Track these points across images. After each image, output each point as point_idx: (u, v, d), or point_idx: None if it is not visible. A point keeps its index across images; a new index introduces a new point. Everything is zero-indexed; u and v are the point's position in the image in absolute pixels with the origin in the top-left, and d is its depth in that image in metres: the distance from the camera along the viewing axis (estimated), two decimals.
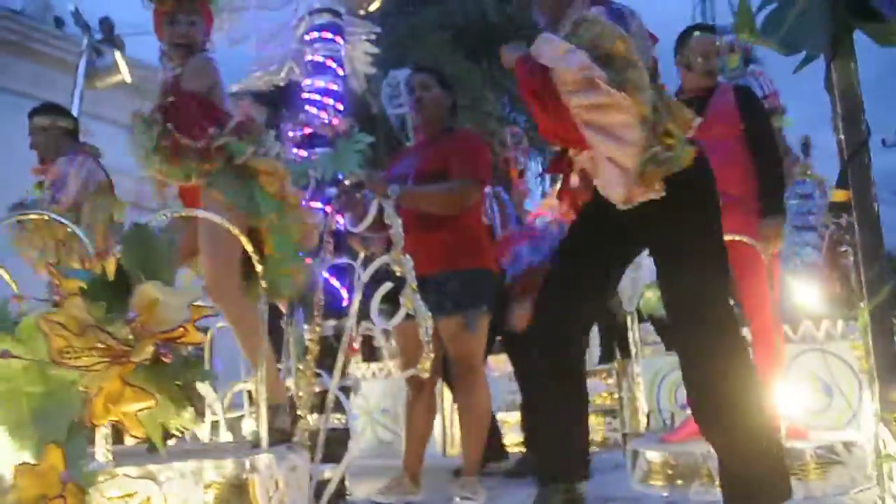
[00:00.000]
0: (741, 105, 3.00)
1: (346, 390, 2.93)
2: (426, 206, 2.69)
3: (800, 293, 3.94)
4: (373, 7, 3.58)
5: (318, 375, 2.31)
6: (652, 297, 3.67)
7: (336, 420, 2.69)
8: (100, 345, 0.89)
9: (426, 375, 2.36)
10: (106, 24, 6.81)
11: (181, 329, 0.89)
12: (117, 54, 6.13)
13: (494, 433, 3.49)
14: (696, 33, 3.15)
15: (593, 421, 4.06)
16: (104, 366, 0.88)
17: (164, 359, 0.90)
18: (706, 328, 1.82)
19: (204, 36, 2.62)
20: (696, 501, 2.35)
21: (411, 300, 1.98)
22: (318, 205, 2.98)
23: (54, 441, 1.03)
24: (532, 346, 2.02)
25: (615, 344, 4.45)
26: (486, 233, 3.06)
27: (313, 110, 3.30)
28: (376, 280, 2.13)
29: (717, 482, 1.95)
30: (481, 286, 2.68)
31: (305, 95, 3.40)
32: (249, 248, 1.79)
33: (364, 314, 2.12)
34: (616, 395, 4.16)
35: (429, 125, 2.86)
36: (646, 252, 2.16)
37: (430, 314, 2.05)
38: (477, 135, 3.24)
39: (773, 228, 2.86)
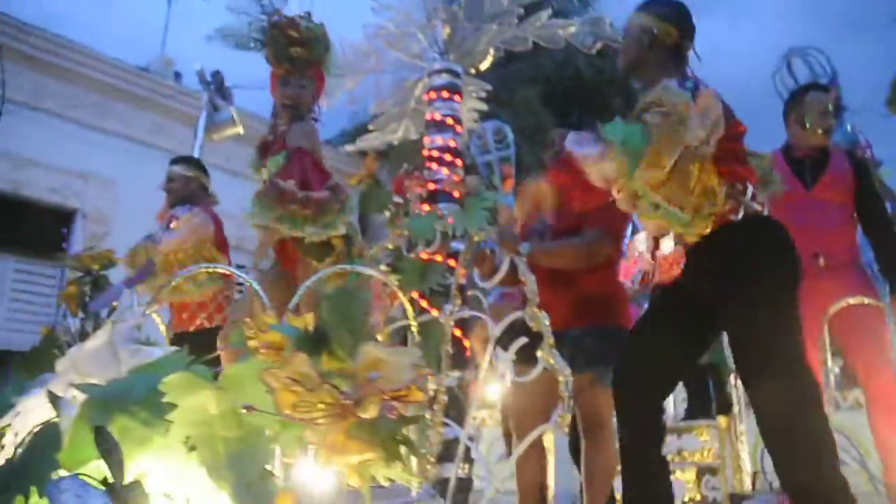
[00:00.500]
0: (858, 174, 3.07)
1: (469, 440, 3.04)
2: (558, 263, 2.84)
3: None
4: (483, 66, 3.81)
5: (446, 425, 2.46)
6: None
7: (461, 469, 2.82)
8: (329, 400, 1.08)
9: (566, 429, 2.47)
10: (217, 77, 7.44)
11: (407, 388, 1.06)
12: (233, 110, 6.67)
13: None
14: (812, 92, 3.24)
15: (689, 477, 4.06)
16: (331, 420, 1.07)
17: (389, 415, 1.08)
18: (775, 384, 1.93)
19: (312, 99, 2.89)
20: None
21: (549, 355, 2.12)
22: (441, 258, 3.19)
23: (248, 483, 1.23)
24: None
25: (706, 398, 4.45)
26: (621, 288, 3.04)
27: (434, 166, 3.53)
28: (509, 335, 2.29)
29: None
30: (615, 343, 2.63)
31: (426, 152, 3.63)
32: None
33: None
34: (713, 453, 4.15)
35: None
36: None
37: (569, 369, 2.18)
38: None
39: None
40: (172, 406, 1.26)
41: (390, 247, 2.92)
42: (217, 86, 7.36)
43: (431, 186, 3.53)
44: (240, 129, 6.82)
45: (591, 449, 2.88)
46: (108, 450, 1.13)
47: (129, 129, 8.46)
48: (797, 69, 3.59)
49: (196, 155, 6.48)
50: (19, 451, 1.29)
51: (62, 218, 8.04)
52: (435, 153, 3.59)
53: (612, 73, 10.40)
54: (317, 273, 1.90)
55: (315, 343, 1.21)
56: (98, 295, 1.84)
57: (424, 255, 2.90)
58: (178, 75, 9.43)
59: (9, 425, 1.45)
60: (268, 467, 1.29)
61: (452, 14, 3.64)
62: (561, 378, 2.06)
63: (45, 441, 1.24)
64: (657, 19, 2.24)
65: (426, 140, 3.74)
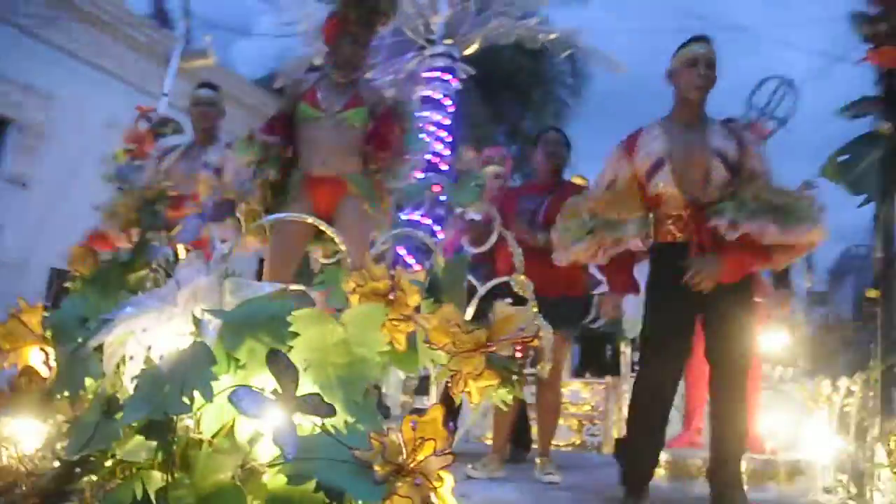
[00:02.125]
0: None
1: None
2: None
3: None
4: (470, 50, 4.04)
5: None
6: None
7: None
8: (474, 340, 1.38)
9: (545, 377, 2.92)
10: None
11: (530, 336, 1.38)
12: (208, 41, 6.57)
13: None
14: None
15: (575, 425, 4.70)
16: (472, 353, 1.37)
17: (518, 354, 1.39)
18: (742, 376, 2.66)
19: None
20: (698, 494, 3.02)
21: (533, 316, 2.48)
22: (429, 221, 3.47)
23: (354, 403, 1.52)
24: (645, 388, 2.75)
25: (601, 360, 5.17)
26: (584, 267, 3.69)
27: (427, 140, 3.75)
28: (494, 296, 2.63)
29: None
30: (579, 310, 3.41)
31: (423, 125, 3.82)
32: None
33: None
34: (592, 406, 4.82)
35: (554, 175, 3.46)
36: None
37: (550, 327, 2.57)
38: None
39: None
40: (294, 334, 1.50)
41: None
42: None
43: (425, 157, 3.76)
44: (210, 61, 6.73)
45: (550, 392, 3.46)
46: (281, 368, 1.36)
47: (72, 43, 8.08)
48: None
49: (167, 84, 6.32)
50: (165, 365, 1.47)
51: None
52: (431, 128, 3.79)
53: (533, 68, 11.35)
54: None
55: (431, 294, 1.51)
56: (155, 225, 1.93)
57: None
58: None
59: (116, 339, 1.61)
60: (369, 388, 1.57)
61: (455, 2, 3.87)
62: (543, 334, 2.44)
63: (201, 356, 1.45)
64: None
65: (422, 114, 3.92)
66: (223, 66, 7.60)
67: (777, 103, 4.48)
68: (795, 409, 4.24)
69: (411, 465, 1.27)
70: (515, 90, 12.83)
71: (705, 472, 2.78)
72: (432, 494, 1.30)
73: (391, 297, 1.55)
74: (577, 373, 5.43)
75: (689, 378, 3.68)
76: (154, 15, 7.04)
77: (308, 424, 1.40)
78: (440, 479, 1.32)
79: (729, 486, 2.63)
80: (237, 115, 6.80)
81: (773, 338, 4.19)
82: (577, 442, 4.76)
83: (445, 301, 1.52)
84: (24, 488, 1.72)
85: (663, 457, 3.32)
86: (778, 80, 4.51)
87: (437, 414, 1.32)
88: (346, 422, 1.44)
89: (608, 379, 4.77)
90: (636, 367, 5.09)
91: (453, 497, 1.36)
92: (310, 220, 1.78)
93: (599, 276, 4.26)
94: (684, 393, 3.84)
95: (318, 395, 1.32)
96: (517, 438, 3.86)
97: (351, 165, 2.95)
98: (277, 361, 1.35)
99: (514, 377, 1.41)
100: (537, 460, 3.38)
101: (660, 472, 3.35)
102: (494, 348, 1.36)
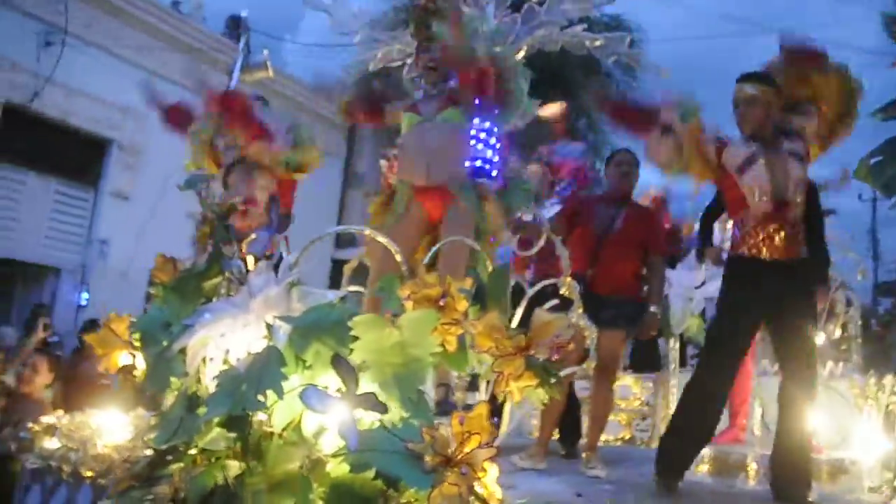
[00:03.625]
0: None
1: None
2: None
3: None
4: (517, 57, 4.18)
5: None
6: (694, 325, 4.40)
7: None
8: (515, 344, 1.53)
9: (590, 373, 3.03)
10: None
11: (567, 341, 1.52)
12: (266, 54, 6.93)
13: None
14: None
15: (624, 419, 4.79)
16: (513, 356, 1.52)
17: (555, 356, 1.54)
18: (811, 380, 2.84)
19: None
20: (741, 489, 3.10)
21: (579, 317, 2.60)
22: None
23: (409, 399, 1.67)
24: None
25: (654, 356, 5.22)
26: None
27: (479, 146, 3.90)
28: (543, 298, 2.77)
29: (767, 472, 2.73)
30: (640, 312, 3.47)
31: (473, 132, 3.95)
32: None
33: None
34: (643, 401, 4.89)
35: (624, 193, 3.67)
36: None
37: (595, 327, 2.70)
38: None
39: None
40: (354, 338, 1.67)
41: None
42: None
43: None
44: (270, 73, 7.10)
45: (605, 387, 3.54)
46: (344, 369, 1.53)
47: (163, 67, 8.78)
48: None
49: None
50: (242, 366, 1.66)
51: (99, 147, 8.71)
52: (483, 135, 3.94)
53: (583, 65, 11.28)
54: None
55: (477, 301, 1.65)
56: (227, 237, 2.12)
57: None
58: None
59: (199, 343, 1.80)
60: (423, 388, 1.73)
61: (503, 8, 4.01)
62: (587, 334, 2.57)
63: (273, 359, 1.63)
64: None
65: (475, 121, 4.04)
66: (276, 69, 7.94)
67: None
68: (846, 406, 4.24)
69: (459, 457, 1.43)
70: (564, 88, 12.98)
71: (768, 469, 2.88)
72: (477, 483, 1.45)
73: (442, 303, 1.70)
74: (629, 368, 5.49)
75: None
76: (229, 34, 7.54)
77: (368, 419, 1.56)
78: (485, 469, 1.47)
79: (794, 484, 2.74)
80: (286, 113, 7.23)
81: (820, 334, 4.20)
82: (627, 437, 4.84)
83: (490, 307, 1.67)
84: (118, 473, 1.95)
85: (707, 452, 3.38)
86: None
87: (483, 410, 1.47)
88: (401, 417, 1.61)
89: (656, 375, 4.83)
90: (690, 363, 5.19)
91: (498, 486, 1.51)
92: (367, 231, 1.94)
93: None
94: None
95: (374, 393, 1.48)
96: (568, 433, 3.96)
97: (455, 170, 3.13)
98: (340, 363, 1.52)
99: (552, 378, 1.55)
100: (584, 454, 3.49)
101: (703, 468, 3.42)
102: (533, 352, 1.50)
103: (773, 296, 2.85)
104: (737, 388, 3.80)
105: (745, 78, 2.95)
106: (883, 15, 2.52)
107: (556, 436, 3.81)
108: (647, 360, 5.00)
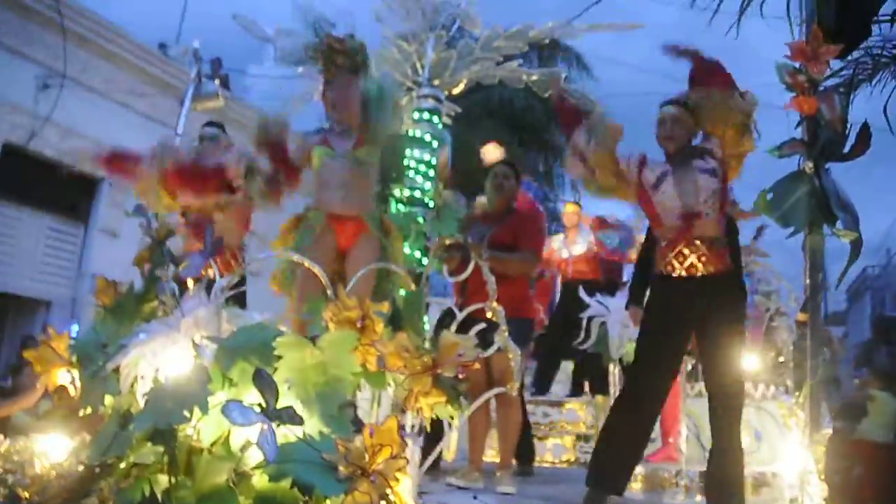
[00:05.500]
0: None
1: None
2: (505, 269, 3.51)
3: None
4: (456, 90, 4.33)
5: None
6: (631, 351, 4.55)
7: None
8: (423, 363, 1.64)
9: (515, 394, 3.12)
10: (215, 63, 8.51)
11: (471, 361, 1.64)
12: (217, 84, 7.14)
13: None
14: None
15: (569, 442, 4.91)
16: (422, 375, 1.63)
17: (460, 376, 1.65)
18: (738, 399, 2.93)
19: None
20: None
21: (503, 338, 2.71)
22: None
23: (330, 416, 1.77)
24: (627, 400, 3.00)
25: (585, 381, 5.38)
26: (528, 289, 4.04)
27: (413, 175, 4.03)
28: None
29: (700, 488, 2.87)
30: (527, 331, 3.62)
31: (409, 163, 4.08)
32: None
33: None
34: (586, 424, 5.02)
35: (502, 205, 3.73)
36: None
37: (518, 349, 2.81)
38: (540, 215, 4.23)
39: None
40: (278, 357, 1.77)
41: None
42: (214, 69, 7.75)
43: (407, 193, 4.03)
44: (221, 103, 7.25)
45: (511, 408, 3.65)
46: (265, 385, 1.62)
47: (153, 110, 9.05)
48: None
49: (180, 125, 7.07)
50: (169, 383, 1.75)
51: (90, 185, 8.82)
52: (421, 167, 4.07)
53: (546, 110, 11.67)
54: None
55: (392, 322, 1.77)
56: (163, 262, 2.21)
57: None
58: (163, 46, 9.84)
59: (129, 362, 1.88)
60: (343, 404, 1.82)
61: (441, 44, 4.18)
62: (511, 355, 2.69)
63: (199, 376, 1.72)
64: None
65: (412, 153, 4.17)
66: (235, 97, 8.10)
67: None
68: (776, 426, 4.43)
69: (371, 467, 1.53)
70: (530, 129, 13.41)
71: (703, 488, 3.00)
72: (389, 492, 1.56)
73: (361, 324, 1.81)
74: (573, 392, 5.63)
75: None
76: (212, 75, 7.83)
77: (290, 433, 1.66)
78: (397, 479, 1.57)
79: (726, 500, 2.83)
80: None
81: (752, 358, 4.39)
82: (572, 458, 4.96)
83: (405, 329, 1.78)
84: (52, 490, 2.00)
85: (640, 470, 3.51)
86: None
87: (392, 424, 1.58)
88: (321, 431, 1.71)
89: (598, 398, 4.97)
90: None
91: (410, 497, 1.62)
92: (295, 257, 2.04)
93: (587, 300, 4.51)
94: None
95: (291, 407, 1.58)
96: (520, 454, 4.04)
97: (367, 203, 3.23)
98: (262, 377, 1.62)
99: (459, 395, 1.67)
100: (497, 473, 3.58)
101: (636, 486, 3.55)
102: (440, 370, 1.62)
103: (690, 313, 2.94)
104: (668, 407, 3.96)
105: (668, 102, 3.10)
106: (776, 63, 2.73)
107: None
108: (600, 386, 5.12)
